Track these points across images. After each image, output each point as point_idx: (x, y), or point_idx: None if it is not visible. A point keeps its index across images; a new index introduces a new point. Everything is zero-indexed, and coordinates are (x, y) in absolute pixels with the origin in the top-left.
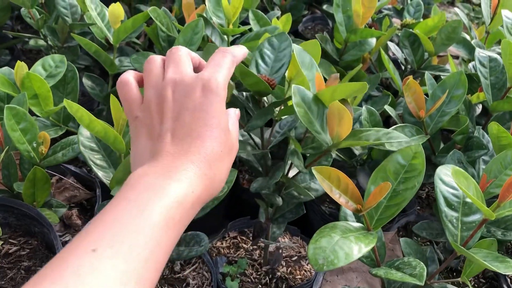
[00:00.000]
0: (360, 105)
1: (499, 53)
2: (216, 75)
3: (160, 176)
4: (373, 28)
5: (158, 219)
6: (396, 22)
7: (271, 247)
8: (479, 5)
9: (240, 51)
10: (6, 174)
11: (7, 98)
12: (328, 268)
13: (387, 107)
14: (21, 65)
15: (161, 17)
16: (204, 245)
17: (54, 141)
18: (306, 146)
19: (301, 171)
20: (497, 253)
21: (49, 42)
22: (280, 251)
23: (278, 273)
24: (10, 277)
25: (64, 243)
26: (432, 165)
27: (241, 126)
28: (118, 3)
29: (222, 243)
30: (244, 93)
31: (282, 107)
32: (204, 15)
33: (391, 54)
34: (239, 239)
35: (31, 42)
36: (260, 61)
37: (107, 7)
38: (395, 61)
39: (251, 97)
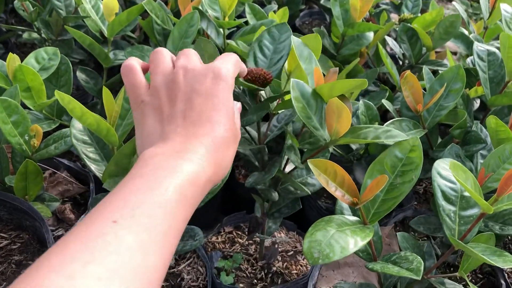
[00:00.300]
0: (357, 99)
1: (497, 48)
2: (226, 65)
3: (172, 156)
4: (370, 22)
5: (173, 195)
6: (394, 17)
7: (267, 242)
8: (478, 1)
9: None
10: None
11: None
12: (323, 261)
13: (384, 101)
14: (13, 57)
15: (156, 10)
16: (198, 239)
17: (47, 134)
18: (303, 141)
19: (297, 166)
20: (495, 247)
21: (43, 35)
22: (276, 246)
23: (274, 268)
24: (1, 271)
25: (57, 238)
26: (429, 160)
27: None
28: None
29: (217, 238)
30: (241, 86)
31: (280, 101)
32: (200, 8)
33: (388, 49)
34: (234, 234)
35: (25, 35)
36: (258, 53)
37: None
38: (392, 56)
39: (248, 90)
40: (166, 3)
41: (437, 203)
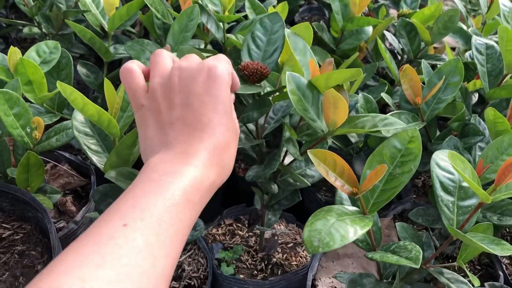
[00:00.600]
0: (356, 93)
1: (496, 41)
2: (221, 62)
3: (177, 163)
4: (369, 16)
5: (180, 199)
6: (393, 13)
7: (267, 234)
8: None
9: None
10: None
11: (0, 84)
12: (323, 250)
13: (383, 95)
14: (14, 50)
15: (156, 4)
16: (199, 230)
17: (48, 127)
18: (301, 133)
19: (296, 158)
20: (493, 237)
21: (43, 30)
22: (276, 237)
23: (274, 259)
24: (4, 261)
25: (59, 230)
26: (428, 153)
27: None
28: None
29: (217, 230)
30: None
31: (277, 93)
32: (200, 2)
33: (388, 44)
34: (234, 226)
35: (25, 30)
36: (252, 45)
37: None
38: (391, 51)
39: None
40: None
41: (435, 193)
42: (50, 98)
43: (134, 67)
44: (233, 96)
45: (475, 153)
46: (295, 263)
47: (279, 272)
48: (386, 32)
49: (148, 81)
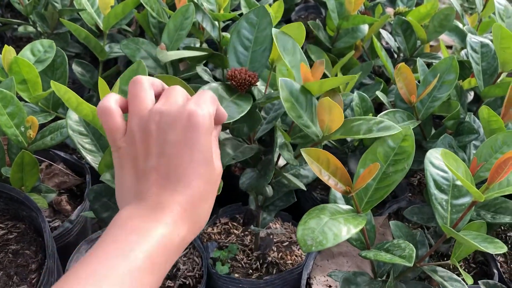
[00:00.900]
0: (352, 92)
1: (491, 40)
2: (202, 106)
3: (146, 218)
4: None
5: (143, 262)
6: (389, 11)
7: (262, 233)
8: None
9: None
10: None
11: None
12: (316, 248)
13: (378, 93)
14: (8, 49)
15: (152, 3)
16: None
17: (43, 127)
18: (294, 134)
19: (291, 164)
20: (486, 235)
21: (39, 29)
22: (271, 236)
23: (269, 258)
24: None
25: (54, 229)
26: (423, 151)
27: (225, 128)
28: None
29: (213, 229)
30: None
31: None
32: (195, 0)
33: (384, 43)
34: (230, 225)
35: (20, 28)
36: (239, 46)
37: None
38: (388, 50)
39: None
40: None
41: (429, 192)
42: (45, 97)
43: (112, 105)
44: (219, 128)
45: (470, 152)
46: (290, 261)
47: (274, 271)
48: (382, 31)
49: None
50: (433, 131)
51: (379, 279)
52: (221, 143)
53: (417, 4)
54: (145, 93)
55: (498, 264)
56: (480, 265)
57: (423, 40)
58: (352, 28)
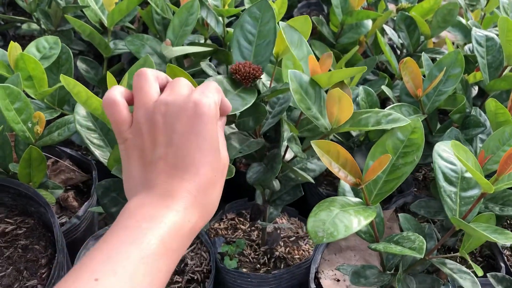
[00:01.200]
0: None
1: (496, 34)
2: (207, 95)
3: (157, 206)
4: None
5: (157, 247)
6: (392, 7)
7: (269, 228)
8: None
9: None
10: (1, 155)
11: (0, 79)
12: (327, 240)
13: (384, 88)
14: (14, 46)
15: None
16: None
17: (49, 123)
18: (301, 127)
19: (300, 157)
20: (496, 227)
21: (42, 26)
22: (278, 231)
23: (276, 253)
24: (7, 255)
25: (61, 225)
26: (429, 145)
27: (231, 122)
28: None
29: (220, 225)
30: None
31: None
32: None
33: (387, 39)
34: (236, 220)
35: (24, 26)
36: (242, 41)
37: None
38: (391, 46)
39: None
40: None
41: (438, 184)
42: (50, 94)
43: (117, 97)
44: (224, 119)
45: (476, 145)
46: (298, 256)
47: (282, 265)
48: (385, 26)
49: (133, 107)
50: (439, 125)
51: (388, 272)
52: (227, 137)
53: (420, 0)
54: (149, 85)
55: (505, 257)
56: (487, 258)
57: (426, 36)
58: (356, 23)
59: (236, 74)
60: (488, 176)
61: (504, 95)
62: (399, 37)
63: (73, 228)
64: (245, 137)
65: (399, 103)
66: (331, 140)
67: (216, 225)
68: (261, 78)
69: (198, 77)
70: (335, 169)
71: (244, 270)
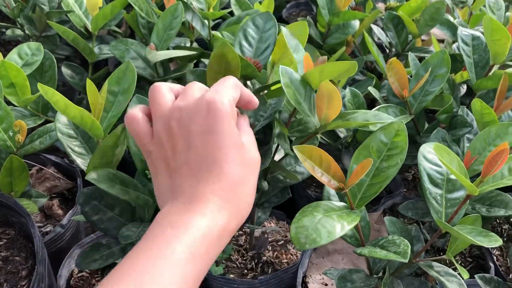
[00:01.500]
0: (344, 88)
1: (482, 32)
2: (220, 93)
3: (182, 212)
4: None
5: (182, 254)
6: (380, 6)
7: (257, 232)
8: None
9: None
10: None
11: None
12: (310, 246)
13: (370, 89)
14: None
15: (140, 3)
16: None
17: (33, 131)
18: (292, 129)
19: (288, 153)
20: (481, 229)
21: (27, 32)
22: (266, 235)
23: (264, 258)
24: None
25: (45, 234)
26: (417, 146)
27: None
28: None
29: None
30: None
31: (266, 92)
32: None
33: (376, 38)
34: None
35: (8, 32)
36: (244, 42)
37: None
38: (380, 45)
39: None
40: None
41: (423, 186)
42: (34, 101)
43: (137, 113)
44: (246, 117)
45: (464, 145)
46: (286, 260)
47: (270, 270)
48: (373, 26)
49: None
50: (427, 125)
51: (375, 275)
52: None
53: None
54: (163, 95)
55: (494, 257)
56: (476, 259)
57: (414, 35)
58: (343, 24)
59: None
60: (475, 177)
61: (491, 94)
62: (387, 36)
63: (57, 237)
64: None
65: (386, 104)
66: (319, 141)
67: None
68: (260, 71)
69: (185, 80)
70: (318, 173)
71: (232, 276)
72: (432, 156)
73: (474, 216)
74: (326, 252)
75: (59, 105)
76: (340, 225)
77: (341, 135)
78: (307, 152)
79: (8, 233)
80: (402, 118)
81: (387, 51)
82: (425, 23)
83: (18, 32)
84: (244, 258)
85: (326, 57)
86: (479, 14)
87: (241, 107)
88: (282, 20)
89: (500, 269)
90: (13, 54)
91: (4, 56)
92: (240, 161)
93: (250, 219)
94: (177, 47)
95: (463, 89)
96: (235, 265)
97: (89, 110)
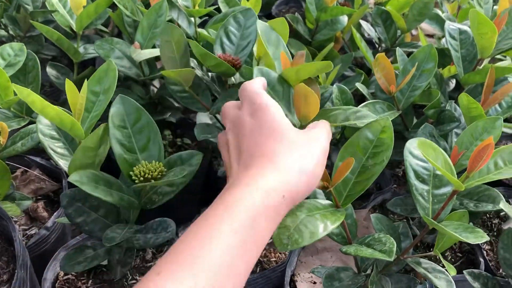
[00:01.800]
0: (333, 84)
1: (470, 26)
2: (245, 86)
3: (245, 187)
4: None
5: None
6: (369, 1)
7: None
8: None
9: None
10: None
11: None
12: (292, 247)
13: (358, 85)
14: None
15: (125, 1)
16: (170, 231)
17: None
18: None
19: None
20: (468, 224)
21: (11, 32)
22: None
23: None
24: None
25: (30, 237)
26: (405, 141)
27: (206, 109)
28: None
29: None
30: (210, 74)
31: None
32: None
33: (366, 34)
34: None
35: None
36: (225, 39)
37: None
38: (369, 41)
39: (217, 78)
40: None
41: (409, 182)
42: (17, 102)
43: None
44: (262, 79)
45: (452, 140)
46: (274, 259)
47: (258, 269)
48: (362, 22)
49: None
50: (415, 120)
51: (363, 273)
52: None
53: None
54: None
55: (484, 252)
56: (466, 254)
57: (403, 30)
58: (331, 20)
59: None
60: (463, 172)
61: (479, 88)
62: (376, 31)
63: (42, 239)
64: (220, 130)
65: (373, 100)
66: None
67: None
68: (239, 67)
69: None
70: None
71: None
72: (418, 152)
73: (461, 212)
74: (315, 250)
75: (36, 106)
76: (323, 225)
77: None
78: None
79: None
80: (390, 113)
81: (377, 46)
82: (413, 18)
83: (2, 32)
84: None
85: (304, 52)
86: (467, 8)
87: None
88: (271, 17)
89: (490, 264)
90: None
91: None
92: (276, 134)
93: None
94: None
95: (452, 83)
96: None
97: None
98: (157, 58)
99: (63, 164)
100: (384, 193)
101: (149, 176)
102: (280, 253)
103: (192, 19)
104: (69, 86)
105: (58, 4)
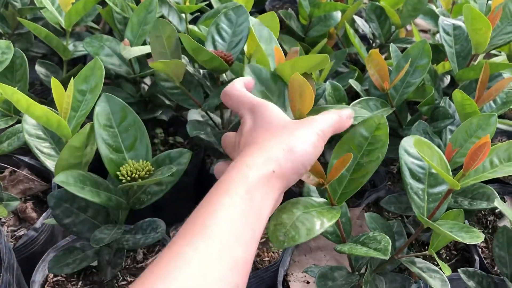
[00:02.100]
0: (326, 81)
1: (464, 22)
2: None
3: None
4: (338, 2)
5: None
6: None
7: None
8: None
9: None
10: None
11: None
12: (288, 244)
13: (351, 81)
14: None
15: None
16: (160, 231)
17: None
18: None
19: None
20: (463, 224)
21: None
22: None
23: None
24: None
25: (19, 238)
26: (400, 139)
27: (198, 106)
28: None
29: None
30: (201, 70)
31: None
32: None
33: (360, 30)
34: None
35: None
36: (216, 36)
37: None
38: (364, 37)
39: (209, 74)
40: None
41: (405, 181)
42: (5, 101)
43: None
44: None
45: (446, 137)
46: (268, 259)
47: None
48: (357, 18)
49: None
50: (409, 117)
51: (357, 272)
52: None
53: None
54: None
55: (479, 250)
56: (461, 251)
57: (397, 25)
58: (324, 15)
59: None
60: (457, 169)
61: (474, 84)
62: (370, 27)
63: (30, 241)
64: (212, 128)
65: (367, 97)
66: None
67: None
68: (232, 63)
69: None
70: None
71: None
72: (414, 150)
73: (456, 211)
74: (309, 250)
75: (21, 105)
76: (320, 222)
77: None
78: None
79: None
80: (383, 110)
81: (371, 42)
82: (408, 14)
83: None
84: None
85: (298, 48)
86: (462, 3)
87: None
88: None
89: (485, 262)
90: None
91: None
92: (256, 115)
93: None
94: None
95: (447, 79)
96: None
97: None
98: (148, 56)
99: (50, 164)
100: (378, 190)
101: (136, 175)
102: (273, 253)
103: (183, 15)
104: (55, 84)
105: (47, 1)
